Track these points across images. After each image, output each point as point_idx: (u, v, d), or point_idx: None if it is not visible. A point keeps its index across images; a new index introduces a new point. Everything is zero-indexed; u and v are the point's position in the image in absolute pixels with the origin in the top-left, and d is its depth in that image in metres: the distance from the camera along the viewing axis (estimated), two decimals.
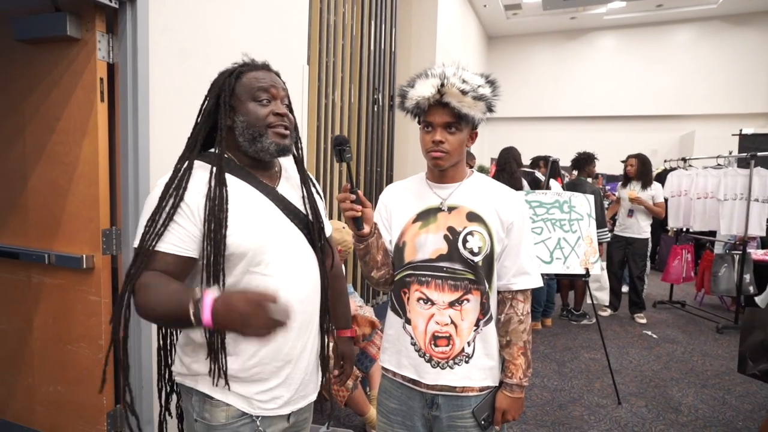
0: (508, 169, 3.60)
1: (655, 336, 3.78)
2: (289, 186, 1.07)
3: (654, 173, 4.66)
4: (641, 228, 4.17)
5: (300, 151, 1.10)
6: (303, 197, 1.07)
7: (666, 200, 4.60)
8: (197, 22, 1.93)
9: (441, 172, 1.13)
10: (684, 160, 5.33)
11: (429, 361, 1.10)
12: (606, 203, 4.79)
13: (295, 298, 0.96)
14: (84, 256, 1.69)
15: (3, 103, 1.84)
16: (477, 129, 1.11)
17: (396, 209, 1.18)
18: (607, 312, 4.41)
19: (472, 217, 1.10)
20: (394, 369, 1.16)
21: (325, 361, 1.12)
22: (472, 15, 7.14)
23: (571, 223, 2.80)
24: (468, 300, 1.08)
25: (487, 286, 1.09)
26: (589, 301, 3.19)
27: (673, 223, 4.88)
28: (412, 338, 1.12)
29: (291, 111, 1.04)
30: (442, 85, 1.02)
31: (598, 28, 7.91)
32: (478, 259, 1.07)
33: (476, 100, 1.03)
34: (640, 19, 7.43)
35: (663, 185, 4.45)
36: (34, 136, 1.78)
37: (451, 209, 1.11)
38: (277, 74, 1.04)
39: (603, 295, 4.26)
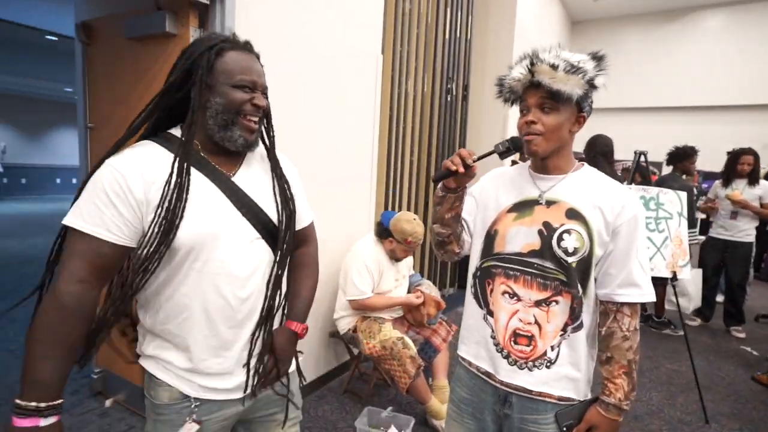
0: (596, 163, 3.12)
1: (755, 353, 3.37)
2: (249, 174, 0.98)
3: (764, 171, 4.12)
4: (745, 231, 3.71)
5: (272, 139, 1.03)
6: (273, 186, 1.00)
7: None
8: (280, 16, 2.03)
9: (543, 162, 1.04)
10: None
11: (506, 357, 1.05)
12: (699, 203, 4.31)
13: (236, 295, 0.92)
14: None
15: (115, 96, 2.08)
16: (584, 112, 1.01)
17: (492, 196, 1.13)
18: (697, 322, 4.01)
19: (572, 214, 1.00)
20: (471, 359, 1.14)
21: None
22: None
23: (658, 222, 2.57)
24: (557, 302, 1.00)
25: (580, 290, 1.00)
26: (668, 308, 2.91)
27: None
28: (492, 331, 1.08)
29: (266, 96, 0.98)
30: (532, 63, 0.96)
31: (703, 6, 7.07)
32: (572, 260, 0.98)
33: (569, 73, 0.94)
34: None
35: None
36: None
37: (550, 203, 1.03)
38: (258, 56, 0.96)
39: (684, 302, 3.71)
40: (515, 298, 1.04)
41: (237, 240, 0.92)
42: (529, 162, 1.12)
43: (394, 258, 2.39)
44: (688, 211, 3.41)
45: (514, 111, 1.07)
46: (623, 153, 4.29)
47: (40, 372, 0.77)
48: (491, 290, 1.08)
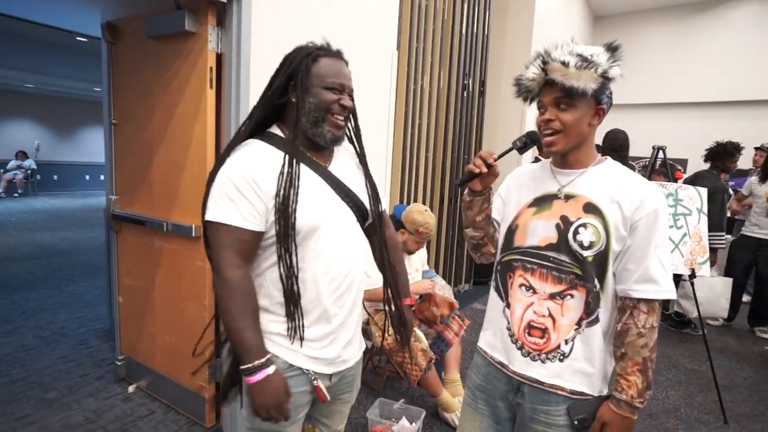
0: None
1: None
2: (340, 165, 1.12)
3: None
4: None
5: (359, 135, 1.17)
6: (365, 176, 1.16)
7: None
8: (297, 14, 2.06)
9: (563, 157, 1.05)
10: None
11: (520, 348, 1.06)
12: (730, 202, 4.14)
13: (340, 271, 1.06)
14: (194, 225, 1.93)
15: (138, 92, 2.15)
16: (603, 104, 1.00)
17: (515, 193, 1.16)
18: (719, 322, 3.90)
19: (590, 208, 1.00)
20: (487, 349, 1.16)
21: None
22: None
23: (677, 218, 2.52)
24: (572, 295, 1.01)
25: (597, 285, 1.00)
26: (680, 309, 2.84)
27: None
28: (508, 323, 1.10)
29: (353, 100, 1.10)
30: (545, 62, 0.98)
31: None
32: (587, 254, 0.99)
33: (580, 69, 0.94)
34: None
35: None
36: (159, 120, 2.06)
37: (568, 197, 1.04)
38: (347, 63, 1.09)
39: (689, 305, 3.45)
40: (531, 290, 1.05)
41: (342, 222, 1.07)
42: (551, 157, 1.12)
43: (406, 251, 2.41)
44: (719, 213, 3.28)
45: (532, 106, 1.08)
46: (646, 150, 4.19)
47: (248, 339, 0.95)
48: (511, 283, 1.10)
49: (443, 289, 2.47)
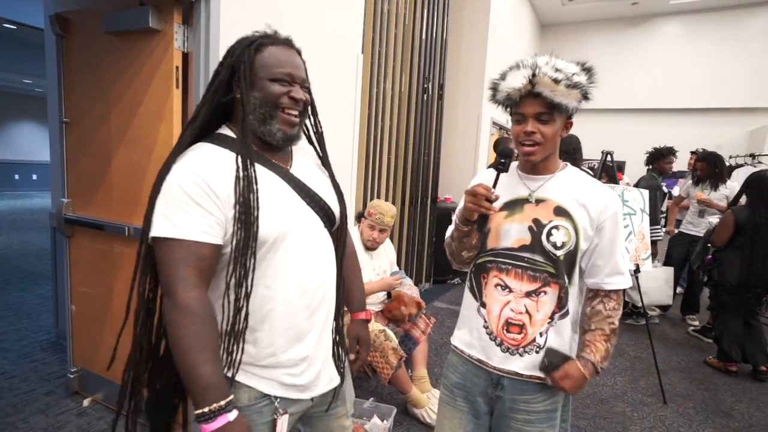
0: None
1: (708, 340, 3.62)
2: (303, 166, 1.01)
3: None
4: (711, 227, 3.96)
5: (320, 132, 1.06)
6: (330, 177, 1.07)
7: None
8: (265, 13, 2.05)
9: (534, 165, 1.12)
10: (753, 156, 5.00)
11: (499, 345, 1.13)
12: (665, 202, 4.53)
13: (311, 284, 0.95)
14: None
15: (93, 89, 2.04)
16: (572, 118, 1.09)
17: None
18: (656, 312, 4.26)
19: (560, 211, 1.08)
20: (463, 347, 1.21)
21: (343, 342, 1.10)
22: (526, 2, 6.93)
23: (623, 218, 2.73)
24: (545, 292, 1.09)
25: (566, 281, 1.09)
26: (630, 300, 3.08)
27: None
28: (485, 321, 1.16)
29: (309, 92, 0.98)
30: (534, 75, 1.00)
31: (663, 13, 7.44)
32: (560, 253, 1.07)
33: (570, 88, 1.00)
34: (712, 2, 6.92)
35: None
36: (119, 119, 1.96)
37: (539, 201, 1.11)
38: (299, 52, 0.97)
39: (635, 296, 3.73)
40: (507, 289, 1.12)
41: (309, 230, 0.96)
42: (516, 163, 1.19)
43: (368, 247, 2.44)
44: (651, 209, 3.60)
45: (487, 109, 1.14)
46: (590, 153, 4.48)
47: (205, 377, 0.79)
48: (486, 283, 1.16)
49: (411, 289, 2.53)
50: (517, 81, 1.03)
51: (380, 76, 3.34)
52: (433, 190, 4.58)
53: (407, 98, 3.85)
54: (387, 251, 2.61)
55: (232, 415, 0.81)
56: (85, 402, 2.23)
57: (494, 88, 1.11)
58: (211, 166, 0.85)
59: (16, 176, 11.83)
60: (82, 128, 2.12)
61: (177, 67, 1.81)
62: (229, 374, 0.87)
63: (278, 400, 0.93)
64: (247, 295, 0.86)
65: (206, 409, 0.78)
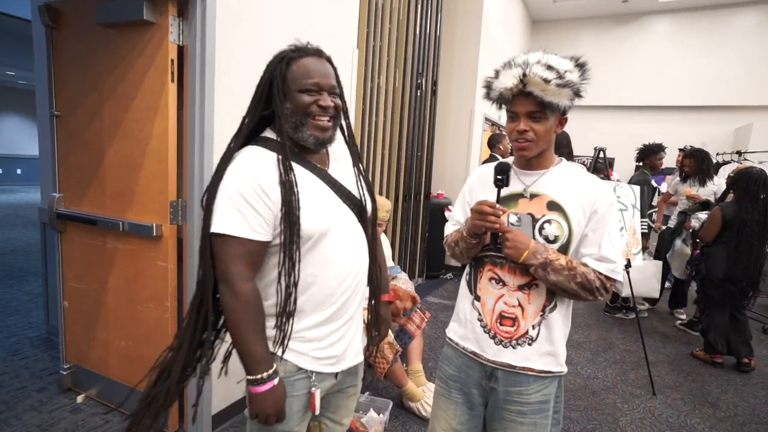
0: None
1: (695, 333, 3.70)
2: (339, 167, 1.11)
3: None
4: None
5: (350, 134, 1.15)
6: (356, 176, 1.13)
7: None
8: (261, 8, 2.03)
9: (528, 160, 1.13)
10: (739, 153, 5.09)
11: (493, 338, 1.15)
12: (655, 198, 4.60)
13: (348, 272, 1.06)
14: (154, 225, 1.84)
15: (85, 82, 2.01)
16: (566, 115, 1.10)
17: (480, 192, 1.21)
18: (645, 305, 4.34)
19: (553, 206, 1.10)
20: (458, 340, 1.23)
21: (377, 322, 1.26)
22: None
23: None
24: (537, 285, 1.11)
25: None
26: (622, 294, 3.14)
27: None
28: (479, 314, 1.18)
29: (341, 97, 1.06)
30: (524, 74, 1.01)
31: (652, 12, 7.51)
32: (553, 247, 1.08)
33: (560, 87, 1.01)
34: (701, 1, 7.02)
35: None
36: (112, 113, 1.94)
37: (533, 196, 1.12)
38: (329, 59, 1.05)
39: (624, 289, 3.79)
40: (501, 283, 1.14)
41: (347, 225, 1.07)
42: (511, 158, 1.21)
43: None
44: (641, 203, 3.67)
45: (480, 105, 1.15)
46: (581, 149, 4.53)
47: (257, 352, 0.97)
48: (480, 277, 1.18)
49: (406, 284, 2.55)
50: (508, 80, 1.05)
51: (374, 72, 3.33)
52: (426, 185, 4.60)
53: (401, 94, 3.85)
54: (382, 246, 2.61)
55: (277, 379, 0.99)
56: (79, 398, 2.21)
57: (488, 87, 1.13)
58: (262, 170, 0.96)
59: (0, 171, 11.59)
60: (73, 122, 2.09)
61: (172, 61, 1.79)
62: (279, 352, 1.02)
63: (313, 374, 1.06)
64: (295, 283, 0.99)
65: (258, 376, 0.96)
